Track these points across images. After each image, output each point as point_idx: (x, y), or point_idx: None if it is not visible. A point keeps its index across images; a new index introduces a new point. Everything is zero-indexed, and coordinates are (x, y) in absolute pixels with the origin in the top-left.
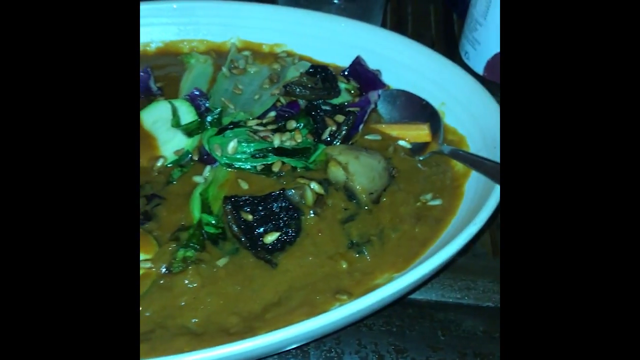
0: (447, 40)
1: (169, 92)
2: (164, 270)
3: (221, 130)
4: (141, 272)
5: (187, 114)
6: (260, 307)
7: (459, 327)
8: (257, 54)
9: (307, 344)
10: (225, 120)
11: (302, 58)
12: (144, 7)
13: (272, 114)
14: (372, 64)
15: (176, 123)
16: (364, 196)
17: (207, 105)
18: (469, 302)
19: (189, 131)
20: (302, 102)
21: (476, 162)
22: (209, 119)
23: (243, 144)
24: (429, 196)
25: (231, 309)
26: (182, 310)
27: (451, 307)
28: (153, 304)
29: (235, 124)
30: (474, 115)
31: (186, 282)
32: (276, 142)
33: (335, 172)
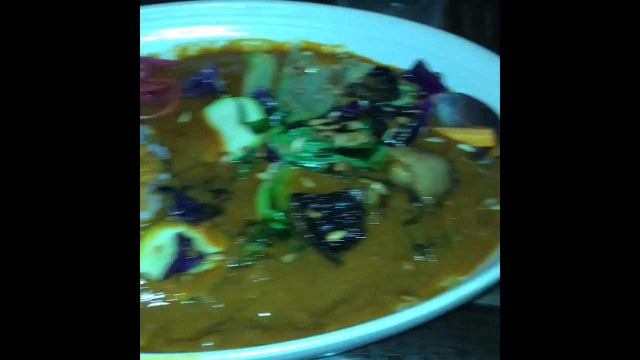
0: None
1: (233, 89)
2: (234, 263)
3: (287, 129)
4: (211, 264)
5: (253, 112)
6: (326, 304)
7: None
8: (318, 55)
9: (370, 343)
10: (290, 119)
11: (362, 59)
12: (210, 6)
13: (335, 113)
14: (432, 66)
15: (243, 121)
16: (427, 199)
17: (271, 103)
18: None
19: (255, 129)
20: (363, 103)
21: None
22: (274, 117)
23: (308, 142)
24: (492, 201)
25: (299, 304)
26: (251, 303)
27: None
28: (223, 297)
29: (300, 123)
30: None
31: (255, 276)
32: (339, 142)
33: (399, 174)
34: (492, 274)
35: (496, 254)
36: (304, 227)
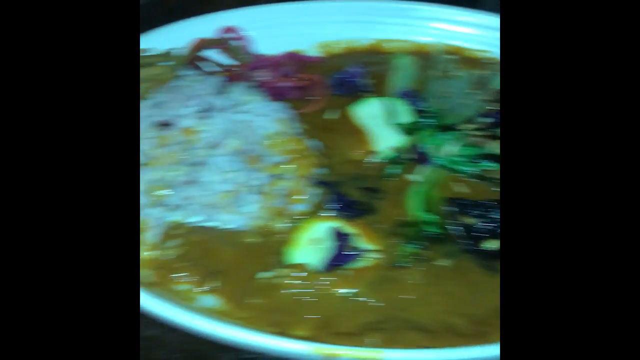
0: None
1: (378, 89)
2: (390, 263)
3: (437, 132)
4: (369, 262)
5: (402, 112)
6: (485, 312)
7: None
8: (463, 59)
9: None
10: (441, 123)
11: None
12: (358, 5)
13: (485, 119)
14: None
15: (392, 121)
16: None
17: (421, 105)
18: None
19: (405, 130)
20: None
21: None
22: (426, 120)
23: (460, 147)
24: None
25: (457, 309)
26: (409, 304)
27: None
28: (381, 295)
29: (451, 127)
30: None
31: (411, 277)
32: (494, 149)
33: None
34: None
35: None
36: (459, 233)
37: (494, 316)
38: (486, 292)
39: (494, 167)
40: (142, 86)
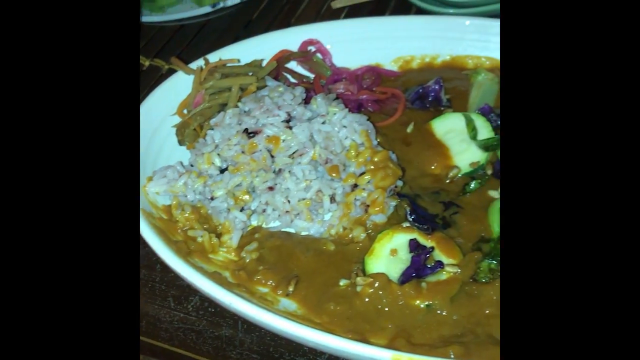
0: None
1: (457, 105)
2: (469, 278)
3: None
4: (448, 275)
5: (483, 128)
6: None
7: None
8: None
9: None
10: None
11: None
12: (437, 21)
13: None
14: None
15: (474, 136)
16: None
17: (499, 122)
18: None
19: (487, 146)
20: None
21: None
22: None
23: None
24: None
25: None
26: (489, 319)
27: None
28: (461, 309)
29: None
30: None
31: (492, 293)
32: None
33: None
34: None
35: None
36: None
37: None
38: None
39: None
40: (231, 94)
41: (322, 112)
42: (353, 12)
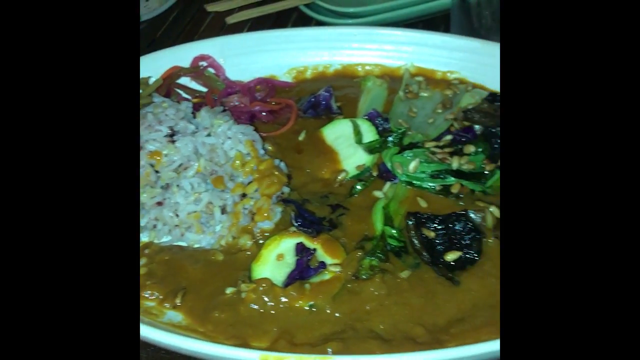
0: None
1: (347, 111)
2: (351, 275)
3: (402, 150)
4: (331, 275)
5: (368, 132)
6: (444, 321)
7: None
8: (430, 80)
9: None
10: (405, 141)
11: (475, 86)
12: (328, 32)
13: (449, 137)
14: None
15: (359, 140)
16: None
17: (385, 125)
18: None
19: (371, 149)
20: (477, 128)
21: None
22: (391, 138)
23: (423, 163)
24: None
25: (416, 319)
26: (369, 314)
27: None
28: (343, 306)
29: (414, 145)
30: None
31: (372, 289)
32: (454, 165)
33: None
34: None
35: None
36: (419, 246)
37: (452, 325)
38: (445, 302)
39: (456, 182)
40: None
41: (206, 125)
42: (256, 25)
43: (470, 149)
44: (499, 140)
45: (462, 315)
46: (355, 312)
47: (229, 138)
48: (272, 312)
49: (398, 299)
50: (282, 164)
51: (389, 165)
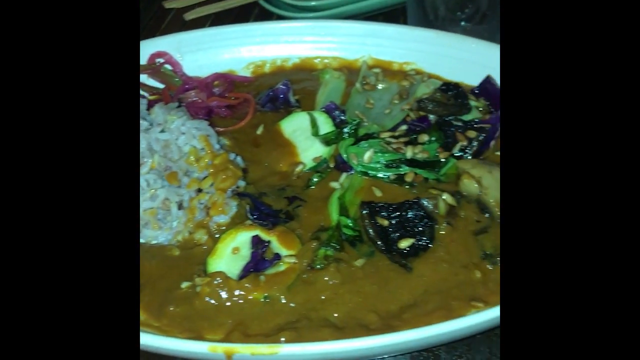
0: None
1: (306, 104)
2: (306, 266)
3: (357, 141)
4: (286, 266)
5: (325, 125)
6: (397, 308)
7: None
8: (387, 72)
9: (438, 347)
10: (360, 132)
11: (431, 76)
12: (285, 26)
13: (404, 127)
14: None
15: (316, 132)
16: (497, 210)
17: (342, 117)
18: None
19: (327, 140)
20: (432, 118)
21: None
22: (346, 129)
23: (378, 154)
24: None
25: (369, 306)
26: (324, 304)
27: None
28: (297, 297)
29: (370, 135)
30: None
31: (327, 278)
32: (408, 154)
33: (469, 185)
34: None
35: None
36: (373, 234)
37: (404, 311)
38: (397, 289)
39: (410, 170)
40: None
41: (160, 121)
42: (217, 21)
43: (424, 138)
44: (452, 129)
45: (414, 300)
46: (309, 302)
47: (183, 133)
48: (227, 304)
49: (352, 288)
50: (239, 158)
51: (344, 156)
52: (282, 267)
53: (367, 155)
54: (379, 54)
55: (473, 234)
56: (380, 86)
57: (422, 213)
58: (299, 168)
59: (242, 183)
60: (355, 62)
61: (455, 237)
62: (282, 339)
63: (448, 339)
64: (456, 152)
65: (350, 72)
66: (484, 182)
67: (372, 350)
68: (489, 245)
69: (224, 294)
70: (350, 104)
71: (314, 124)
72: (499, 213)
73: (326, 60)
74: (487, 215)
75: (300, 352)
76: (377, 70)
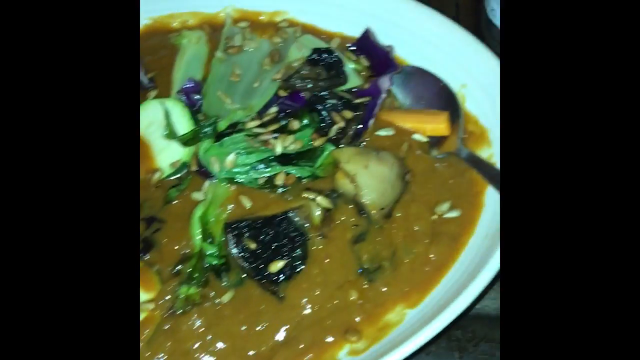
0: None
1: (161, 82)
2: (167, 312)
3: (219, 137)
4: (144, 315)
5: (181, 117)
6: (268, 349)
7: (477, 348)
8: (255, 25)
9: None
10: (222, 124)
11: (305, 27)
12: None
13: (273, 109)
14: (385, 35)
15: (170, 133)
16: (374, 212)
17: (200, 104)
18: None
19: (185, 141)
20: (304, 95)
21: (495, 177)
22: (204, 130)
23: (242, 155)
24: (445, 206)
25: (239, 351)
26: (190, 355)
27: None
28: (160, 351)
29: (233, 127)
30: (497, 104)
31: (190, 324)
32: (278, 149)
33: (343, 185)
34: (431, 330)
35: (446, 279)
36: (241, 260)
37: (275, 352)
38: (269, 325)
39: (282, 170)
40: None
41: None
42: None
43: (296, 124)
44: (326, 105)
45: (286, 337)
46: (174, 355)
47: None
48: None
49: (219, 330)
50: None
51: (204, 162)
52: (141, 316)
53: (230, 158)
54: (244, 3)
55: (350, 242)
56: (248, 48)
57: (291, 229)
58: (156, 175)
59: None
60: (218, 16)
61: (330, 252)
62: None
63: None
64: (333, 135)
65: (213, 29)
66: (359, 180)
67: None
68: (367, 256)
69: None
70: (211, 79)
71: (167, 119)
72: (376, 215)
73: (184, 17)
74: (364, 216)
75: None
76: (243, 24)
